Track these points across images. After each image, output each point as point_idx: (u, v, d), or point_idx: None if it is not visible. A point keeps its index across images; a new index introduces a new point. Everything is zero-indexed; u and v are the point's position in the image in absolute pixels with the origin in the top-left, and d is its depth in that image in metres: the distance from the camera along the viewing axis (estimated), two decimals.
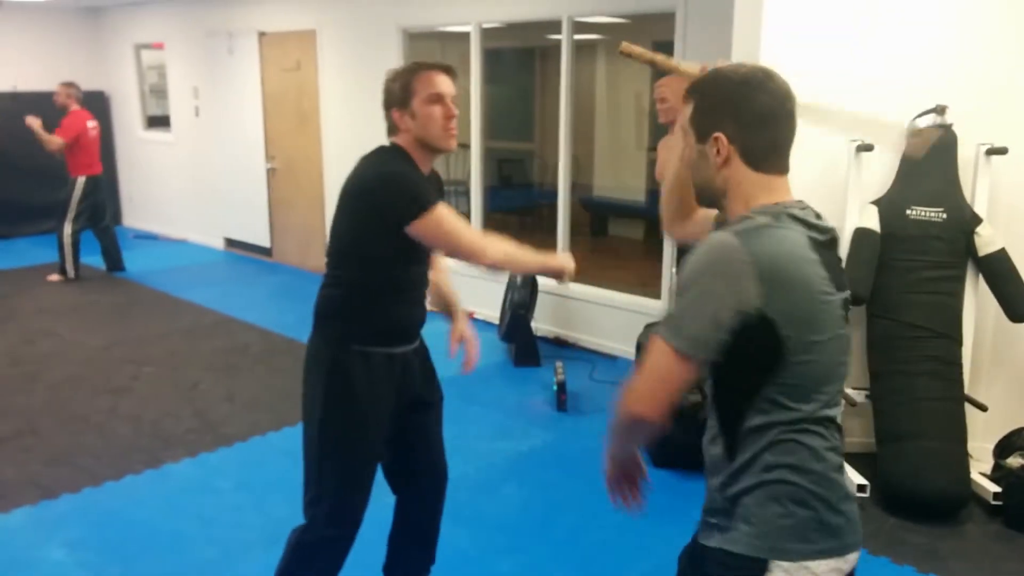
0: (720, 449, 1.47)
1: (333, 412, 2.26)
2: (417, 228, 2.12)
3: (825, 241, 1.44)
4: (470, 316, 5.93)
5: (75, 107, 7.08)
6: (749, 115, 1.44)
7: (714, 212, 1.64)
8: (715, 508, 1.49)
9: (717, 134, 1.45)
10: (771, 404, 1.40)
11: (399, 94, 2.22)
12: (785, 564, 1.39)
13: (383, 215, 2.14)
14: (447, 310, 2.54)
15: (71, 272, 7.24)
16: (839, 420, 1.47)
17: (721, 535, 1.45)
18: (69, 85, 7.16)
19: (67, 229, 7.12)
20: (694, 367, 1.38)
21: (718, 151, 1.46)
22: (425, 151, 2.24)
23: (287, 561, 2.36)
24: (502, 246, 2.24)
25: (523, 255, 2.28)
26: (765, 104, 1.44)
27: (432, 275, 2.45)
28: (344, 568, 2.39)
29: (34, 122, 6.91)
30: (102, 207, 7.35)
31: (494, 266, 2.25)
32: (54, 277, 7.26)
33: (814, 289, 1.38)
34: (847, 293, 1.47)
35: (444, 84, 2.20)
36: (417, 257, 2.29)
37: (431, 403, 2.50)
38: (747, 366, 1.39)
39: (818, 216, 1.46)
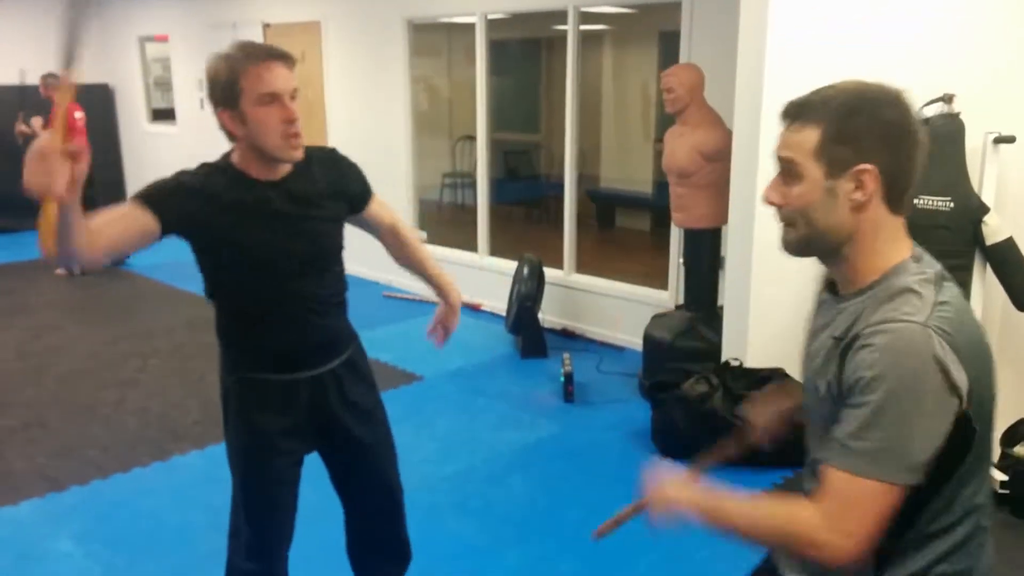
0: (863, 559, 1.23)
1: (230, 440, 2.14)
2: None
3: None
4: (475, 308, 5.97)
5: None
6: (908, 143, 1.20)
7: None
8: None
9: (865, 166, 1.19)
10: (947, 503, 1.23)
11: (223, 92, 1.82)
12: None
13: None
14: (438, 293, 2.36)
15: (76, 268, 7.24)
16: None
17: None
18: (49, 76, 7.12)
19: None
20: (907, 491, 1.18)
21: (861, 188, 1.20)
22: (265, 162, 1.91)
23: None
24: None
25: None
26: (917, 130, 1.20)
27: (412, 260, 2.33)
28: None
29: (36, 123, 6.94)
30: (91, 201, 7.33)
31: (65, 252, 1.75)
32: (61, 272, 7.28)
33: (991, 359, 1.24)
34: None
35: (279, 78, 1.81)
36: (262, 268, 1.98)
37: (363, 440, 2.23)
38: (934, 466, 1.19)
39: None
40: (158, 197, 1.86)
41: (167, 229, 1.86)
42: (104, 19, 9.56)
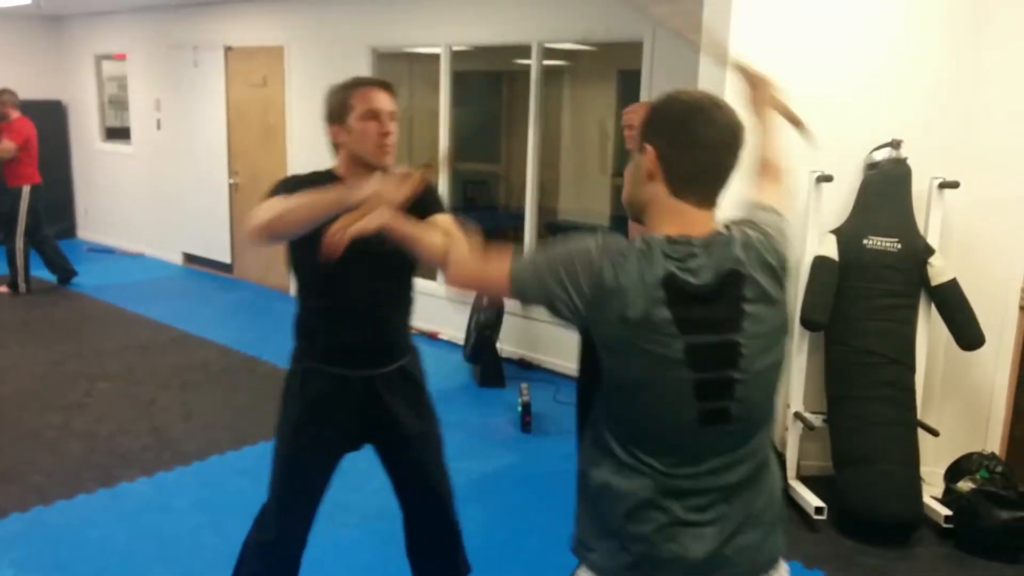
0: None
1: (281, 419, 2.38)
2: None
3: (699, 290, 1.39)
4: (433, 336, 5.95)
5: (15, 114, 6.98)
6: (682, 137, 1.44)
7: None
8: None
9: (648, 145, 1.46)
10: (593, 422, 1.56)
11: (337, 109, 2.22)
12: None
13: None
14: None
15: (22, 286, 7.09)
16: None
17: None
18: (4, 92, 7.03)
19: (18, 243, 6.99)
20: (505, 293, 1.54)
21: (646, 164, 1.46)
22: (361, 168, 2.22)
23: (236, 564, 2.50)
24: (274, 207, 2.03)
25: (300, 202, 2.00)
26: (702, 131, 1.43)
27: None
28: None
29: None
30: (40, 217, 7.24)
31: (267, 231, 2.03)
32: (3, 290, 7.10)
33: (642, 322, 1.38)
34: (713, 337, 1.41)
35: (381, 101, 2.20)
36: (330, 267, 2.10)
37: (413, 435, 2.46)
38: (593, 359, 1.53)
39: (719, 259, 1.42)
40: (293, 190, 2.10)
41: None
42: (60, 36, 9.43)
